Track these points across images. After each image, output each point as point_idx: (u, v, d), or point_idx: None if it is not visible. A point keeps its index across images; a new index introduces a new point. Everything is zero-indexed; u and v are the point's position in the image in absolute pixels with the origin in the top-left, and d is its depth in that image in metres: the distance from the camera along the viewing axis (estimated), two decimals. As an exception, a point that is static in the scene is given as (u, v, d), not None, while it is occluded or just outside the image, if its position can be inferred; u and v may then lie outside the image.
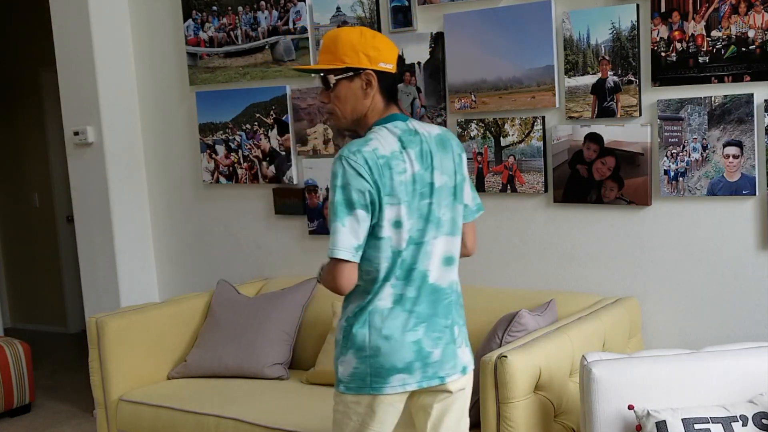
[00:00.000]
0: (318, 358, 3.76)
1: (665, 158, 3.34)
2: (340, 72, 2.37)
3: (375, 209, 2.29)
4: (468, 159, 3.77)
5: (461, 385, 2.45)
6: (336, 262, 2.27)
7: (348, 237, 2.26)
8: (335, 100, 2.40)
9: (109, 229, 4.78)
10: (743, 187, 3.21)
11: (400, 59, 2.46)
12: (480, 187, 3.77)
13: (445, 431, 2.45)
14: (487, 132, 3.74)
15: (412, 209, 2.33)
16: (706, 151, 3.26)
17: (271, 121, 4.40)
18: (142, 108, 4.89)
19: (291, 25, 4.27)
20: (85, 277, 4.94)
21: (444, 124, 3.84)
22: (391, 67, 2.39)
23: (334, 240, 2.27)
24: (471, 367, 2.48)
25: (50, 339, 6.76)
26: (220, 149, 4.60)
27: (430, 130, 2.43)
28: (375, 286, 2.34)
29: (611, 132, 3.44)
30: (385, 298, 2.33)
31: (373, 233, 2.31)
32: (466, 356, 2.46)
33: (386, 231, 2.30)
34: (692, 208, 3.34)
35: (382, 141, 2.33)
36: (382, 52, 2.37)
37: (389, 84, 2.41)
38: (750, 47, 3.13)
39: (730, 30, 3.16)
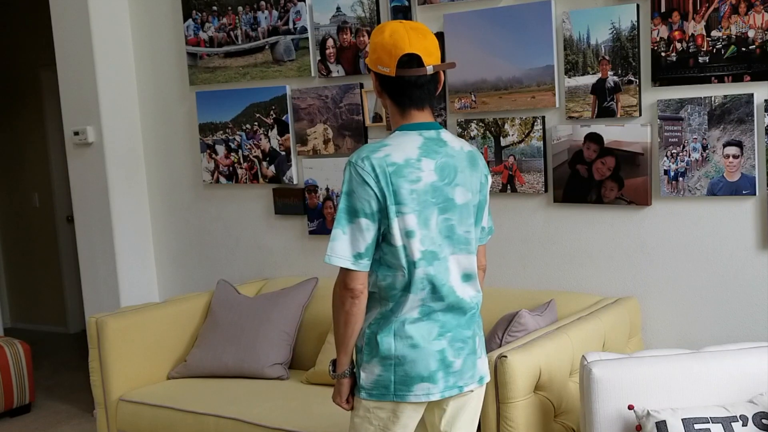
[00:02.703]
0: (318, 358, 3.76)
1: (665, 158, 3.34)
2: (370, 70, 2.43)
3: (383, 217, 2.28)
4: (468, 159, 3.78)
5: (479, 393, 2.50)
6: (340, 269, 2.30)
7: (346, 245, 2.27)
8: None
9: (109, 229, 4.78)
10: (743, 187, 3.21)
11: (408, 62, 2.32)
12: (480, 187, 3.77)
13: (459, 428, 2.46)
14: (487, 132, 3.74)
15: (425, 219, 2.30)
16: (706, 151, 3.26)
17: (271, 121, 4.40)
18: (142, 108, 4.89)
19: (291, 25, 4.27)
20: (85, 277, 4.94)
21: (444, 124, 3.84)
22: (387, 70, 2.32)
23: (332, 246, 2.28)
24: (487, 379, 2.49)
25: (50, 339, 6.76)
26: (220, 149, 4.60)
27: (462, 146, 2.42)
28: (395, 293, 2.33)
29: (611, 132, 3.44)
30: (412, 310, 2.33)
31: (388, 240, 2.30)
32: (484, 367, 2.48)
33: (399, 239, 2.29)
34: (692, 208, 3.35)
35: (398, 147, 2.31)
36: (380, 55, 2.33)
37: (391, 87, 2.35)
38: (750, 47, 3.13)
39: (730, 30, 3.16)
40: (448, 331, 2.36)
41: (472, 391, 2.44)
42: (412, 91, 2.35)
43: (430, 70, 2.34)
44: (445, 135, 2.40)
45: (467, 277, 2.40)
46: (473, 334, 2.42)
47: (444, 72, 3.78)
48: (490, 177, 2.49)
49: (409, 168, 2.29)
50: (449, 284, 2.34)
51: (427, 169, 2.31)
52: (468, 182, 2.38)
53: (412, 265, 2.30)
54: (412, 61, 2.32)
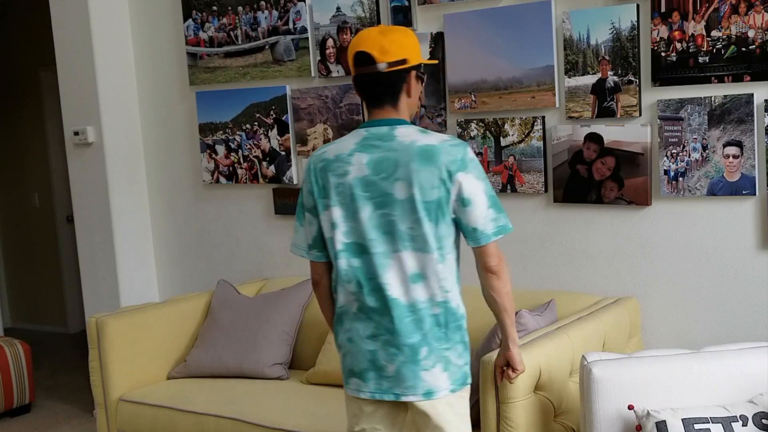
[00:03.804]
0: (318, 358, 3.76)
1: (665, 158, 3.34)
2: None
3: (317, 211, 2.40)
4: (468, 159, 3.77)
5: (429, 408, 2.35)
6: None
7: (301, 236, 2.47)
8: None
9: (109, 229, 4.78)
10: (743, 187, 3.21)
11: (360, 59, 2.37)
12: (480, 187, 3.77)
13: None
14: (487, 132, 3.74)
15: (352, 212, 2.34)
16: (706, 151, 3.26)
17: (271, 121, 4.40)
18: (142, 108, 4.89)
19: (291, 25, 4.27)
20: (85, 277, 4.94)
21: (444, 124, 3.84)
22: (352, 72, 2.42)
23: (293, 238, 2.51)
24: (441, 393, 2.34)
25: (50, 339, 6.76)
26: (220, 149, 4.60)
27: (416, 139, 2.33)
28: (335, 284, 2.43)
29: (611, 132, 3.44)
30: (350, 303, 2.38)
31: (324, 233, 2.41)
32: (437, 381, 2.34)
33: (328, 231, 2.39)
34: (692, 208, 3.35)
35: (339, 144, 2.41)
36: (349, 55, 2.42)
37: (358, 86, 2.41)
38: (750, 47, 3.13)
39: (730, 30, 3.16)
40: (382, 335, 2.34)
41: (421, 403, 2.34)
42: (368, 88, 2.40)
43: (383, 67, 2.35)
44: (401, 130, 2.36)
45: (417, 278, 2.32)
46: (418, 342, 2.32)
47: (442, 72, 3.81)
48: (463, 174, 2.31)
49: (338, 163, 2.36)
50: (380, 281, 2.32)
51: (357, 163, 2.34)
52: (414, 177, 2.29)
53: (335, 256, 2.37)
54: (362, 59, 2.37)
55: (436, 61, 2.68)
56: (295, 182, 4.38)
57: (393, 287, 2.32)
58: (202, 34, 4.59)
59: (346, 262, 2.35)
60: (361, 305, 2.35)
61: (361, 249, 2.33)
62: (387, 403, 2.39)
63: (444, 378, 2.35)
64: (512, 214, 3.73)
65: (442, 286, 2.34)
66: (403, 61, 2.35)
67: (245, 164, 4.53)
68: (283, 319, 3.96)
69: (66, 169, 5.19)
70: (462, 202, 2.32)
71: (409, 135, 2.35)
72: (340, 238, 2.35)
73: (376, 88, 2.38)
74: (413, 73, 2.40)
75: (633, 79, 3.37)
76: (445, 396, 2.36)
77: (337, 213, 2.35)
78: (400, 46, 2.36)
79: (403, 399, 2.35)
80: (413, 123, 2.46)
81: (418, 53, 2.42)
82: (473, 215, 2.34)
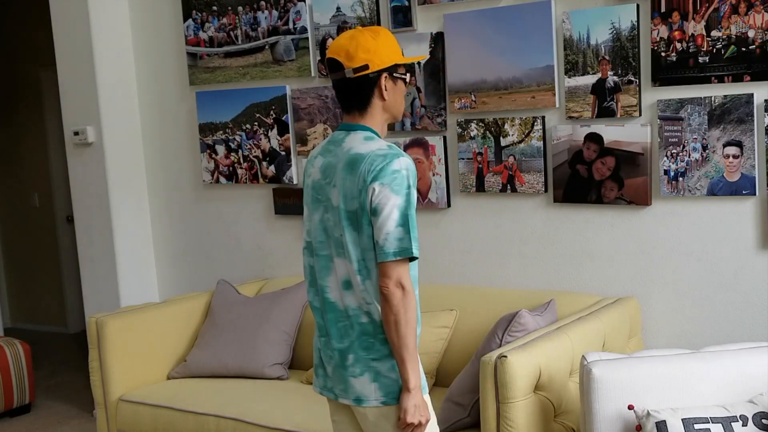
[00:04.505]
0: (318, 358, 3.76)
1: (665, 158, 3.34)
2: None
3: None
4: (468, 159, 3.77)
5: (362, 415, 2.34)
6: None
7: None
8: None
9: (109, 229, 4.78)
10: (743, 187, 3.21)
11: (330, 66, 2.34)
12: (480, 187, 3.77)
13: None
14: (487, 132, 3.74)
15: (310, 214, 2.40)
16: (706, 151, 3.26)
17: (271, 121, 4.40)
18: (142, 108, 4.89)
19: (291, 25, 4.27)
20: (85, 277, 4.94)
21: (444, 124, 3.84)
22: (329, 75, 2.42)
23: None
24: (371, 403, 2.29)
25: (50, 339, 6.76)
26: (220, 149, 4.60)
27: (352, 147, 2.28)
28: None
29: (611, 132, 3.44)
30: (313, 299, 2.43)
31: None
32: (365, 389, 2.29)
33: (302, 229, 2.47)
34: (692, 208, 3.35)
35: (319, 145, 2.45)
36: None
37: (334, 90, 2.39)
38: (750, 47, 3.13)
39: (730, 30, 3.16)
40: (324, 336, 2.40)
41: (355, 408, 2.34)
42: (339, 94, 2.37)
43: (349, 73, 2.29)
44: (351, 136, 2.32)
45: (346, 285, 2.30)
46: (345, 348, 2.31)
47: (442, 72, 3.80)
48: (377, 184, 2.20)
49: (309, 165, 2.44)
50: (322, 283, 2.37)
51: (316, 166, 2.40)
52: (344, 185, 2.27)
53: (302, 253, 2.46)
54: (331, 65, 2.34)
55: (418, 59, 2.63)
56: (295, 182, 4.38)
57: (332, 290, 2.35)
58: (202, 34, 4.59)
59: (305, 260, 2.44)
60: (312, 304, 2.43)
61: (312, 250, 2.40)
62: (345, 404, 2.41)
63: (373, 389, 2.29)
64: (512, 214, 3.76)
65: (363, 297, 2.28)
66: (365, 67, 2.27)
67: (245, 164, 4.53)
68: (283, 319, 3.96)
69: (66, 169, 5.19)
70: (372, 211, 2.22)
71: (352, 142, 2.30)
72: (304, 236, 2.44)
73: (345, 94, 2.34)
74: (384, 75, 2.30)
75: (633, 79, 3.37)
76: (377, 407, 2.29)
77: (305, 212, 2.44)
78: (365, 50, 2.27)
79: (341, 400, 2.37)
80: (403, 124, 2.46)
81: (390, 55, 2.31)
82: (376, 227, 2.21)
